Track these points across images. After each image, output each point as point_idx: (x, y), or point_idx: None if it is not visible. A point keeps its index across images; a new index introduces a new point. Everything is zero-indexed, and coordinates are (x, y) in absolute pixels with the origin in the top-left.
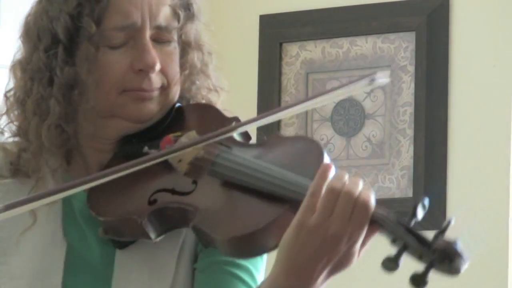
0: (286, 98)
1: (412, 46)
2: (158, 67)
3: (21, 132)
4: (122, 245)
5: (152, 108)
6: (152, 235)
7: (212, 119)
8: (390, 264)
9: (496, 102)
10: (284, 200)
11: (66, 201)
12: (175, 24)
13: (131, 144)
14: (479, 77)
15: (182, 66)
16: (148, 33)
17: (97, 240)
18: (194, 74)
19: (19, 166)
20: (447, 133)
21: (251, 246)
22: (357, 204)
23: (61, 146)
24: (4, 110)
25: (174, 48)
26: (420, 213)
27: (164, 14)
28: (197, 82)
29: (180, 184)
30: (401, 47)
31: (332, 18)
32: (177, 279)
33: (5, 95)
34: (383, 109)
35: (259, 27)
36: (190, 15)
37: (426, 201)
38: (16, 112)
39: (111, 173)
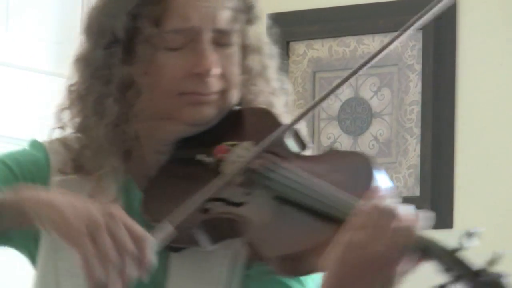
0: (293, 97)
1: (419, 44)
2: (215, 72)
3: (82, 128)
4: (177, 249)
5: (209, 111)
6: (203, 243)
7: (267, 124)
8: None
9: (503, 100)
10: (336, 221)
11: (126, 200)
12: (235, 27)
13: (186, 149)
14: (486, 76)
15: (242, 69)
16: (207, 36)
17: None
18: (253, 77)
19: (81, 163)
20: (454, 132)
21: (301, 264)
22: (409, 233)
23: (119, 146)
24: (67, 104)
25: (234, 51)
26: (467, 243)
27: (224, 17)
28: (257, 86)
29: (233, 194)
30: (408, 46)
31: (339, 16)
32: (229, 286)
33: (69, 89)
34: (390, 108)
35: (266, 25)
36: (250, 17)
37: (470, 232)
38: (78, 108)
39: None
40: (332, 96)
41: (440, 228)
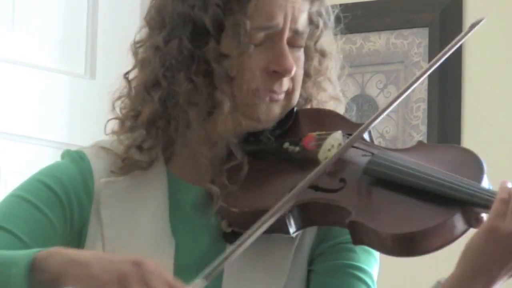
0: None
1: (425, 42)
2: (293, 72)
3: (144, 120)
4: (235, 240)
5: (277, 110)
6: (291, 229)
7: (336, 122)
8: None
9: (509, 97)
10: (457, 202)
11: (172, 197)
12: (308, 30)
13: (258, 143)
14: (492, 73)
15: (305, 72)
16: (286, 36)
17: (208, 235)
18: (314, 80)
19: (132, 161)
20: (460, 129)
21: (416, 245)
22: None
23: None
24: (124, 92)
25: (302, 53)
26: None
27: (302, 20)
28: (317, 89)
29: (324, 181)
30: (414, 43)
31: (345, 14)
32: (292, 280)
33: (125, 77)
34: (396, 105)
35: None
36: (322, 23)
37: None
38: (138, 97)
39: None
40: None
41: None
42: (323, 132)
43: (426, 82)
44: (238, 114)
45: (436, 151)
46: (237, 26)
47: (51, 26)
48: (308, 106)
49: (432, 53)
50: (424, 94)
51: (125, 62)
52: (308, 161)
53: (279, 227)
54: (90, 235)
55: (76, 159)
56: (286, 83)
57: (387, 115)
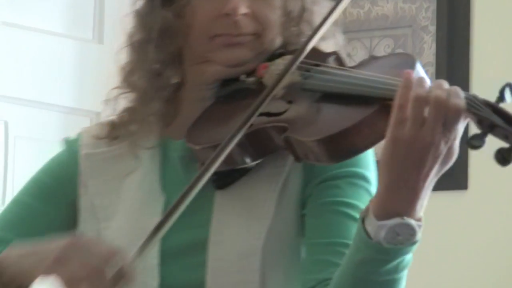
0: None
1: (433, 6)
2: (242, 11)
3: (127, 77)
4: (222, 185)
5: (244, 53)
6: (247, 159)
7: (312, 57)
8: (476, 141)
9: None
10: (374, 100)
11: (163, 155)
12: None
13: (229, 85)
14: (501, 37)
15: (283, 12)
16: None
17: None
18: (293, 19)
19: (119, 128)
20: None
21: (342, 146)
22: (448, 109)
23: (162, 93)
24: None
25: None
26: (508, 97)
27: None
28: (298, 28)
29: (274, 106)
30: (422, 7)
31: None
32: (276, 221)
33: (129, 45)
34: None
35: None
36: None
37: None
38: (127, 59)
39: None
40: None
41: (454, 190)
42: (279, 60)
43: (434, 46)
44: (207, 63)
45: (381, 60)
46: None
47: None
48: (288, 47)
49: (440, 17)
50: (432, 59)
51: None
52: (259, 91)
53: (236, 159)
54: (81, 207)
55: (66, 142)
56: (246, 24)
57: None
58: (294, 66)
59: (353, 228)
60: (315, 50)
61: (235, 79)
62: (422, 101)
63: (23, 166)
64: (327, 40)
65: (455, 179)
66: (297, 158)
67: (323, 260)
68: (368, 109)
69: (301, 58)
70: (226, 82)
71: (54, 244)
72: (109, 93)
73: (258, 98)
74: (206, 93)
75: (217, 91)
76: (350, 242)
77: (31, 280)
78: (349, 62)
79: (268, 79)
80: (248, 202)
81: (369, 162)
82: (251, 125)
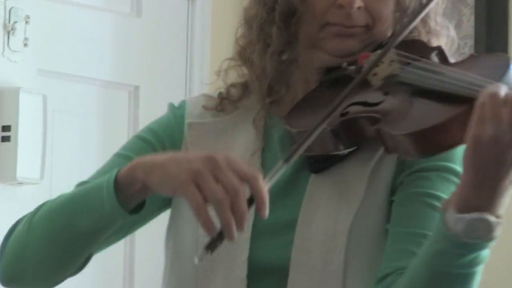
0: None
1: None
2: (357, 4)
3: (245, 56)
4: (318, 169)
5: (354, 44)
6: (340, 146)
7: (414, 50)
8: None
9: None
10: (466, 99)
11: (266, 131)
12: None
13: (332, 72)
14: None
15: (397, 7)
16: None
17: (294, 166)
18: (408, 15)
19: (227, 102)
20: None
21: (431, 142)
22: None
23: (276, 71)
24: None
25: None
26: None
27: None
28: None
29: (372, 97)
30: None
31: None
32: (365, 205)
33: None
34: None
35: None
36: None
37: None
38: (243, 37)
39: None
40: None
41: None
42: (380, 51)
43: (473, 19)
44: (316, 49)
45: (479, 59)
46: None
47: None
48: None
49: None
50: (471, 31)
51: (171, 0)
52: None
53: (330, 145)
54: None
55: (173, 107)
56: (359, 17)
57: None
58: (385, 55)
59: (437, 221)
60: (419, 43)
61: (338, 67)
62: (501, 101)
63: (62, 140)
64: (440, 36)
65: None
66: (387, 150)
67: (403, 249)
68: (460, 107)
69: (393, 46)
70: (330, 69)
71: (190, 157)
72: (221, 64)
73: (349, 85)
74: (312, 77)
75: (321, 77)
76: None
77: (163, 190)
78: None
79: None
80: (340, 186)
81: (459, 156)
82: (347, 112)
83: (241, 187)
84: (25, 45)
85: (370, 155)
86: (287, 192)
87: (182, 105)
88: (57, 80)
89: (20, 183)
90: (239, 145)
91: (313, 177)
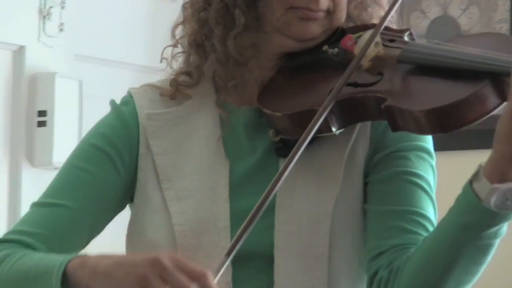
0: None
1: None
2: None
3: (194, 44)
4: (286, 154)
5: (316, 29)
6: (334, 127)
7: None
8: None
9: None
10: (487, 74)
11: (225, 120)
12: None
13: (297, 57)
14: None
15: None
16: None
17: (261, 151)
18: (365, 1)
19: (181, 89)
20: None
21: (449, 119)
22: None
23: (234, 57)
24: (181, 20)
25: None
26: None
27: None
28: (368, 10)
29: (362, 78)
30: None
31: None
32: (345, 187)
33: (183, 6)
34: (479, 26)
35: None
36: None
37: None
38: (192, 24)
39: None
40: (420, 14)
41: None
42: (361, 33)
43: (509, 2)
44: (277, 34)
45: (474, 38)
46: None
47: None
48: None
49: None
50: (506, 15)
51: None
52: (347, 61)
53: (321, 128)
54: (141, 167)
55: (118, 107)
56: (323, 1)
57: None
58: (378, 33)
59: (424, 198)
60: (389, 28)
61: (315, 50)
62: None
63: None
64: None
65: None
66: (395, 127)
67: (396, 226)
68: (479, 83)
69: (382, 27)
70: (292, 54)
71: (135, 261)
72: (163, 51)
73: (348, 67)
74: (268, 63)
75: (290, 61)
76: (423, 212)
77: None
78: (423, 20)
79: (358, 50)
80: (315, 168)
81: (430, 137)
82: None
83: (190, 286)
84: (61, 30)
85: (345, 137)
86: (258, 176)
87: (128, 99)
88: (93, 65)
89: (56, 168)
90: (199, 133)
91: (282, 162)
